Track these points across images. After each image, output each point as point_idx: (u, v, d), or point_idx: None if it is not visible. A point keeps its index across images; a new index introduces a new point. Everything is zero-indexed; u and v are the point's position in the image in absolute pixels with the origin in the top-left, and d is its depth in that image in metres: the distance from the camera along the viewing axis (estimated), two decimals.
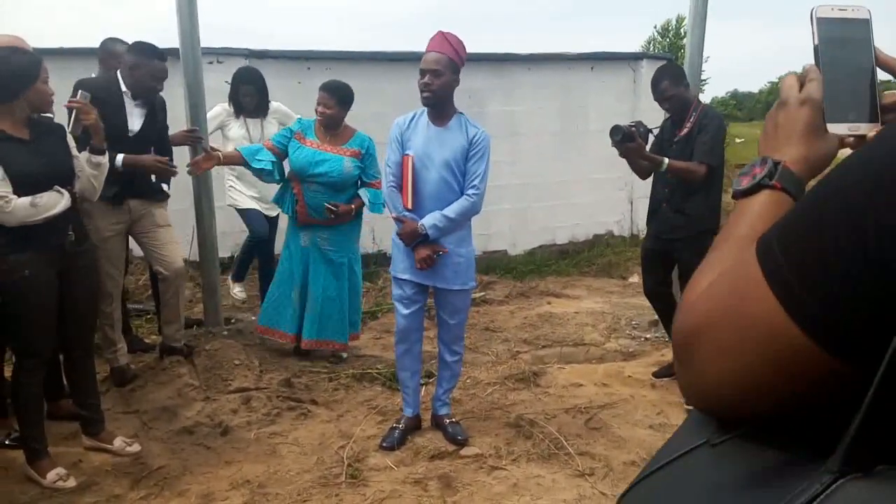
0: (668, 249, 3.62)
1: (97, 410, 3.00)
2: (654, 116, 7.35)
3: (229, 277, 4.92)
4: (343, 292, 3.97)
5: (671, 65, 3.56)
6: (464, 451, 3.00)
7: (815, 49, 0.72)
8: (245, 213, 4.51)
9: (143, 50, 3.45)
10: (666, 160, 3.38)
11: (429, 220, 2.86)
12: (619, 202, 7.40)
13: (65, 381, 3.07)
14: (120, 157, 3.44)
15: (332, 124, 3.80)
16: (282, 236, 4.16)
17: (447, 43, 2.84)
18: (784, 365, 0.50)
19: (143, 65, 3.43)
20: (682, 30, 26.71)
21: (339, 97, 3.76)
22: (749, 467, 0.53)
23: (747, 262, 0.54)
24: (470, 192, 2.90)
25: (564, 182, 7.03)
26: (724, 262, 0.62)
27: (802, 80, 0.72)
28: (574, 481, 2.78)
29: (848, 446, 0.45)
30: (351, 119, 3.85)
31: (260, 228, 4.50)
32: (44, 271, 2.60)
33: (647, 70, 7.25)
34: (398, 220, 2.94)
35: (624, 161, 3.47)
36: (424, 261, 2.89)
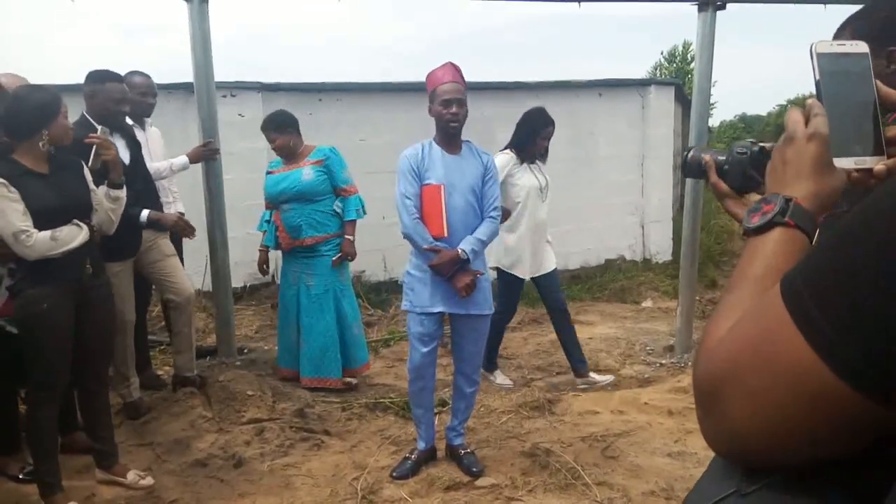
0: None
1: (111, 443, 2.99)
2: (665, 144, 7.39)
3: (482, 369, 3.50)
4: (331, 326, 3.94)
5: None
6: (479, 482, 2.95)
7: (817, 84, 0.72)
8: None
9: (97, 77, 3.42)
10: None
11: (467, 245, 2.88)
12: (631, 227, 7.39)
13: (79, 415, 3.08)
14: (145, 213, 3.50)
15: (288, 152, 3.91)
16: None
17: (459, 73, 2.94)
18: (819, 409, 0.49)
19: (99, 91, 3.39)
20: (688, 55, 26.97)
21: (275, 126, 3.87)
22: None
23: (772, 303, 0.53)
24: (493, 213, 2.99)
25: (575, 208, 7.04)
26: (743, 305, 0.61)
27: (807, 114, 0.72)
28: None
29: None
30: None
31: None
32: (61, 305, 2.62)
33: (656, 96, 7.30)
34: (432, 250, 2.88)
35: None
36: (468, 286, 2.88)
